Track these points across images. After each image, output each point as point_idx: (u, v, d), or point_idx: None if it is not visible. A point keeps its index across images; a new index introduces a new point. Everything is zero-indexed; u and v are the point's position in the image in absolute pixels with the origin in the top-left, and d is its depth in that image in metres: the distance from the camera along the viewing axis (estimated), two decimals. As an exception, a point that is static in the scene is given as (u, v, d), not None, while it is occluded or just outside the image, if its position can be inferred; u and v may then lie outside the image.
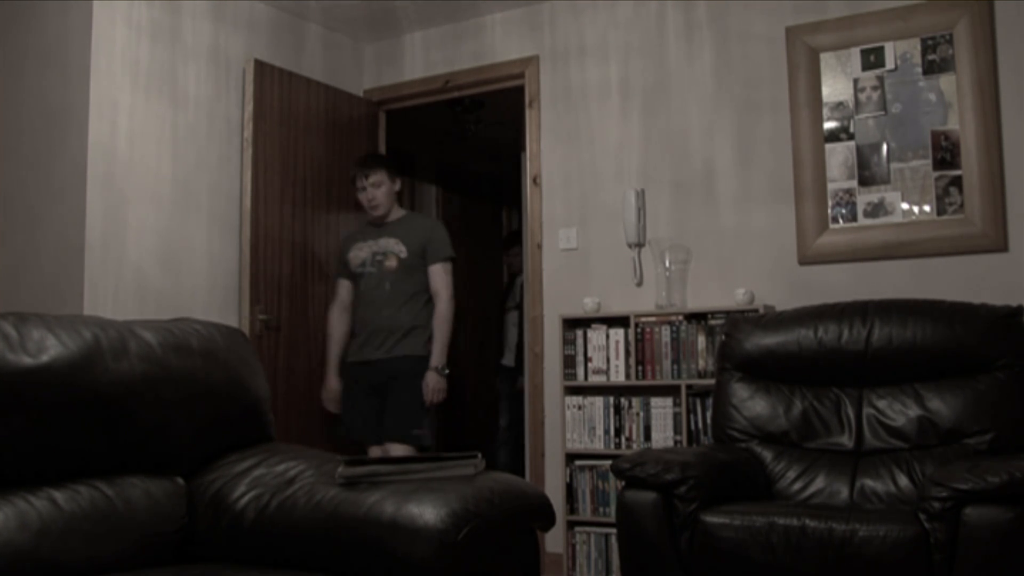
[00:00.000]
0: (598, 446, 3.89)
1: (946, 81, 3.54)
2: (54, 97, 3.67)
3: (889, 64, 3.65)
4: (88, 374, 1.98)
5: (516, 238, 6.30)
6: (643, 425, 3.81)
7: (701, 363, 3.72)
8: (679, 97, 4.10)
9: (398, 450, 3.86)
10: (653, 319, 3.85)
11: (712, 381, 3.56)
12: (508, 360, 6.07)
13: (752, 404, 3.32)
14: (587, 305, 4.06)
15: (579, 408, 3.94)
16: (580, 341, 3.98)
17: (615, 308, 4.08)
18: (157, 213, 3.82)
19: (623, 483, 2.90)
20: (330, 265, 4.42)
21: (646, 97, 4.18)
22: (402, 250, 4.02)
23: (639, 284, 4.10)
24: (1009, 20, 3.46)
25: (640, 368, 3.84)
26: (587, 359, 3.96)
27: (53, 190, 3.63)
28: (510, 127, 5.59)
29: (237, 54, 4.21)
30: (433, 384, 3.92)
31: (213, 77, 4.10)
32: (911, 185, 3.58)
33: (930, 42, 3.58)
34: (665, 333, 3.81)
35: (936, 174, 3.54)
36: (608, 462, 3.53)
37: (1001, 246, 3.42)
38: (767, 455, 3.22)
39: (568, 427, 3.96)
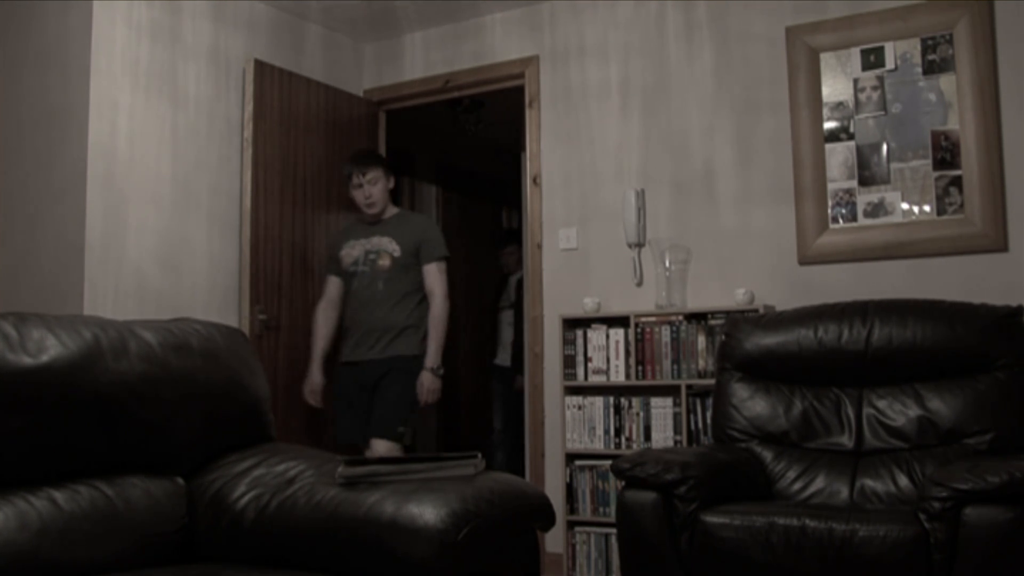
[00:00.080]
0: (598, 446, 3.89)
1: (946, 81, 3.54)
2: (54, 97, 3.67)
3: (889, 64, 3.65)
4: (88, 374, 1.98)
5: (511, 237, 6.30)
6: (643, 425, 3.81)
7: (701, 363, 3.72)
8: (679, 97, 4.10)
9: (380, 446, 3.80)
10: (653, 319, 3.85)
11: (712, 381, 3.57)
12: (502, 360, 6.06)
13: (752, 404, 3.32)
14: (587, 305, 4.06)
15: (579, 408, 3.94)
16: (580, 341, 3.98)
17: (615, 308, 4.08)
18: (157, 213, 3.82)
19: (623, 483, 2.90)
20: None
21: (646, 97, 4.18)
22: (395, 249, 3.98)
23: (639, 284, 4.10)
24: (1009, 20, 3.46)
25: (640, 368, 3.84)
26: (587, 359, 3.96)
27: (53, 190, 3.63)
28: (510, 127, 5.59)
29: (237, 54, 4.21)
30: (428, 384, 3.90)
31: (213, 77, 4.10)
32: (911, 185, 3.58)
33: (930, 42, 3.58)
34: (665, 333, 3.81)
35: (936, 174, 3.55)
36: (608, 462, 3.53)
37: (1001, 246, 3.42)
38: (767, 455, 3.22)
39: (568, 427, 3.96)
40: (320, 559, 1.89)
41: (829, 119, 3.75)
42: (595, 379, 3.94)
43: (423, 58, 4.83)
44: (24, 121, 3.73)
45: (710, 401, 3.57)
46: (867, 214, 3.66)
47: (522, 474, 4.84)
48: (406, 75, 4.87)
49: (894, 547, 2.45)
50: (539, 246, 4.41)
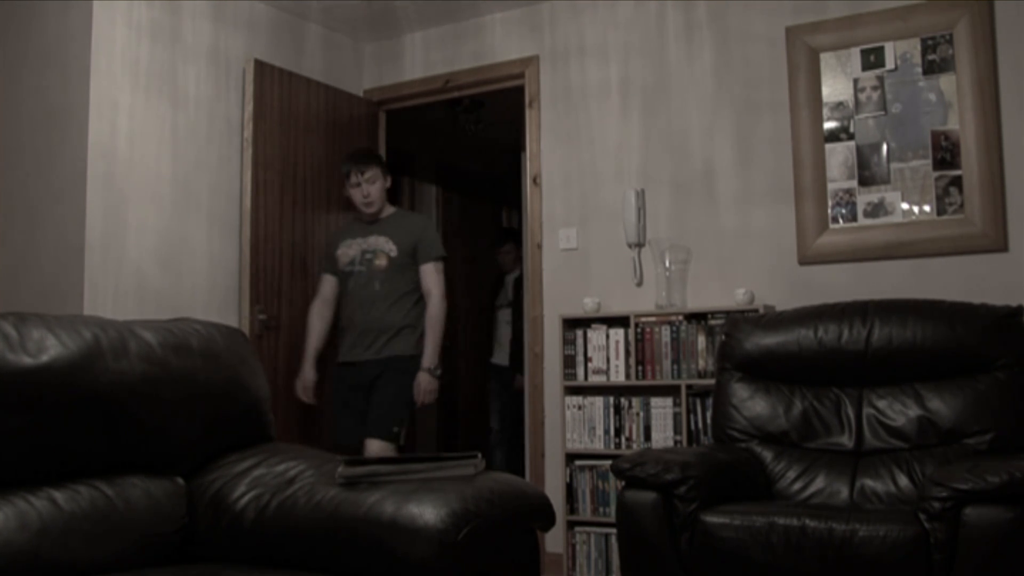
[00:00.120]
0: (598, 446, 3.89)
1: (946, 81, 3.54)
2: (54, 97, 3.67)
3: (889, 64, 3.65)
4: (88, 374, 1.98)
5: (507, 235, 6.29)
6: (643, 425, 3.81)
7: (701, 363, 3.72)
8: (679, 97, 4.10)
9: (375, 446, 3.79)
10: (653, 319, 3.85)
11: (712, 381, 3.56)
12: (498, 359, 6.03)
13: (752, 404, 3.32)
14: (587, 305, 4.06)
15: (579, 408, 3.94)
16: (580, 341, 3.98)
17: (615, 308, 4.08)
18: (157, 213, 3.82)
19: (623, 483, 2.90)
20: (330, 265, 4.42)
21: (646, 97, 4.18)
22: (392, 249, 3.97)
23: (639, 284, 4.10)
24: (1009, 20, 3.46)
25: (640, 368, 3.84)
26: (587, 359, 3.96)
27: (53, 190, 3.63)
28: (510, 127, 5.59)
29: (237, 54, 4.21)
30: (425, 385, 3.88)
31: (213, 77, 4.10)
32: (911, 185, 3.58)
33: (930, 42, 3.58)
34: (665, 333, 3.81)
35: (936, 174, 3.54)
36: (608, 462, 3.53)
37: (1001, 246, 3.42)
38: (767, 455, 3.22)
39: (568, 427, 3.96)
40: (320, 559, 1.89)
41: (829, 119, 3.75)
42: (595, 379, 3.94)
43: (423, 58, 4.83)
44: (24, 121, 3.73)
45: (710, 401, 3.57)
46: (867, 214, 3.66)
47: (521, 474, 4.84)
48: (406, 75, 4.87)
49: (894, 547, 2.45)
50: (539, 246, 4.41)
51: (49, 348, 1.94)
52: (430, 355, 3.90)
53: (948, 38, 3.54)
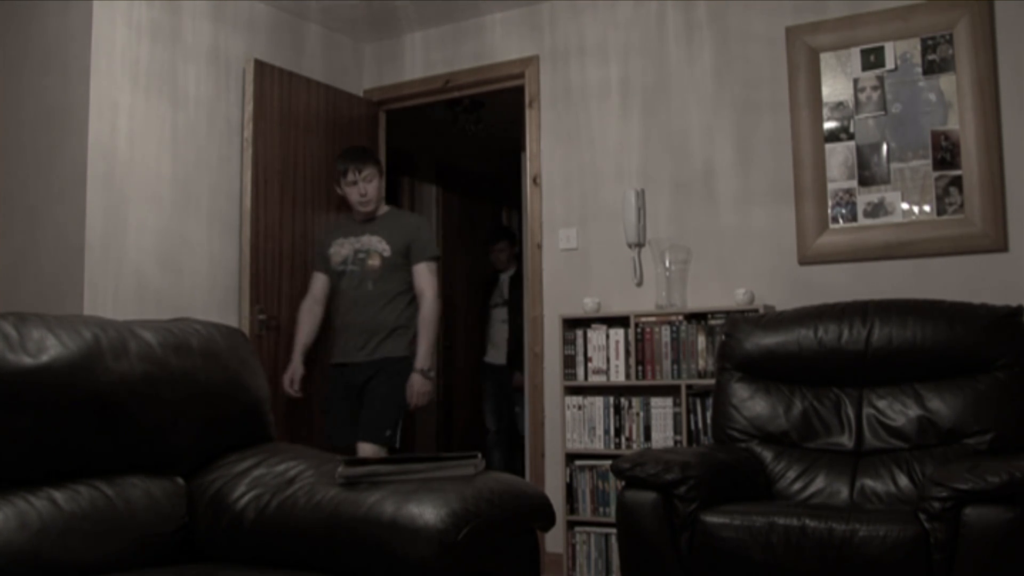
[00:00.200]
0: (598, 446, 3.89)
1: (946, 81, 3.54)
2: (54, 97, 3.67)
3: (889, 64, 3.65)
4: (88, 374, 1.98)
5: (501, 233, 6.29)
6: (643, 425, 3.81)
7: (701, 363, 3.72)
8: (679, 97, 4.10)
9: (367, 450, 3.75)
10: (653, 319, 3.85)
11: (712, 381, 3.56)
12: (492, 358, 5.98)
13: (752, 404, 3.32)
14: (587, 305, 4.06)
15: (579, 408, 3.94)
16: (580, 341, 3.98)
17: (615, 308, 4.08)
18: (157, 213, 3.82)
19: (623, 483, 2.90)
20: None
21: (646, 97, 4.18)
22: (385, 249, 3.94)
23: (639, 284, 4.10)
24: (1009, 20, 3.46)
25: (640, 368, 3.84)
26: (587, 359, 3.96)
27: (53, 190, 3.63)
28: (510, 127, 5.59)
29: (237, 54, 4.21)
30: (418, 387, 3.84)
31: (213, 77, 4.10)
32: (911, 185, 3.58)
33: (930, 42, 3.58)
34: (665, 333, 3.81)
35: (936, 174, 3.55)
36: (608, 462, 3.53)
37: (1001, 246, 3.42)
38: (767, 455, 3.22)
39: (568, 427, 3.96)
40: (320, 559, 1.89)
41: (829, 119, 3.75)
42: (595, 379, 3.94)
43: (423, 58, 4.83)
44: (24, 121, 3.73)
45: (710, 401, 3.57)
46: (867, 214, 3.66)
47: (519, 474, 4.84)
48: (406, 75, 4.87)
49: (894, 547, 2.45)
50: (539, 246, 4.41)
51: (49, 348, 1.94)
52: (423, 356, 3.87)
53: (948, 38, 3.54)
